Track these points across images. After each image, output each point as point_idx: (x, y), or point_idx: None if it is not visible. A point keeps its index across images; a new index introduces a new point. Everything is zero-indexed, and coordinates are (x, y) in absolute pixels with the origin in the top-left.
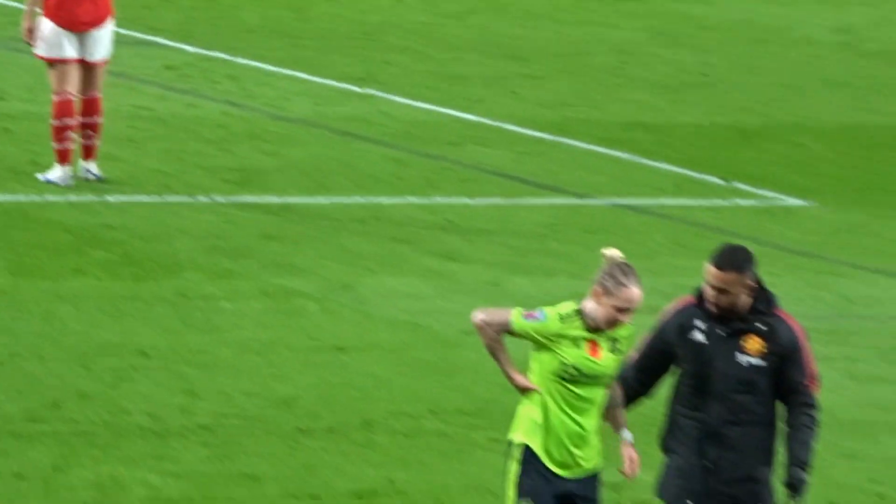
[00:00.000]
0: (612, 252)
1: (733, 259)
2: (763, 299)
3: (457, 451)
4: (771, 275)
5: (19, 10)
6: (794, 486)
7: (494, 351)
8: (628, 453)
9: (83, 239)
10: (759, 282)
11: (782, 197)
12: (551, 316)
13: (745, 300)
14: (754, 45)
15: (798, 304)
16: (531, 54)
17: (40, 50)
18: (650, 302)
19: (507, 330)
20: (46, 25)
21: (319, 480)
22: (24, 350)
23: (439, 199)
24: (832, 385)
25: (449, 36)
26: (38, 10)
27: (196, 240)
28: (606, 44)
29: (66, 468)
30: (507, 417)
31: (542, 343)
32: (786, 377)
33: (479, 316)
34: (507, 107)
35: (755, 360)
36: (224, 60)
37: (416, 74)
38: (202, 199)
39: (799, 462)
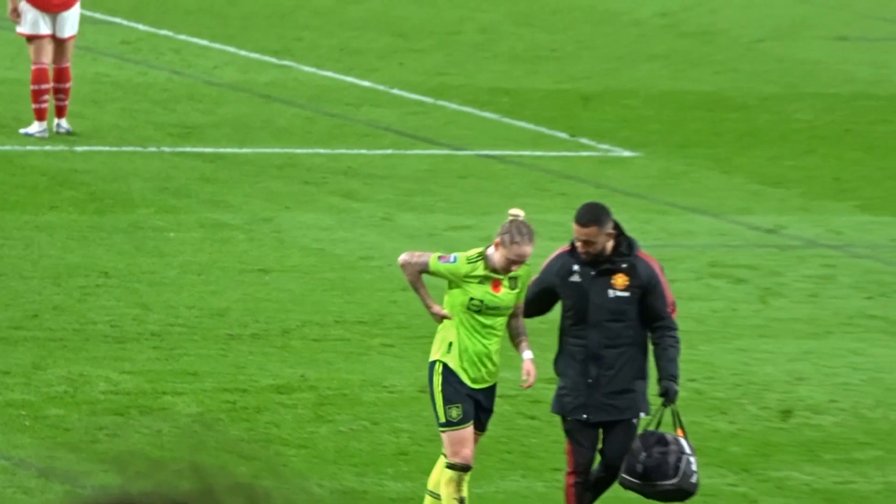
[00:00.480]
0: (516, 212)
1: (592, 215)
2: (625, 243)
3: (356, 353)
4: None
5: None
6: (668, 396)
7: (415, 286)
8: (528, 368)
9: (56, 181)
10: (618, 229)
11: (617, 149)
12: (461, 259)
13: (608, 246)
14: (594, 25)
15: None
16: (415, 32)
17: (21, 28)
18: None
19: (424, 270)
20: (26, 7)
21: (246, 377)
22: (8, 270)
23: (342, 150)
24: None
25: (349, 17)
26: None
27: (147, 182)
28: (475, 24)
29: (44, 367)
30: (398, 326)
31: (454, 281)
32: (649, 306)
33: (403, 257)
34: (396, 75)
35: (622, 293)
36: (168, 37)
37: (322, 48)
38: (152, 149)
39: (669, 376)
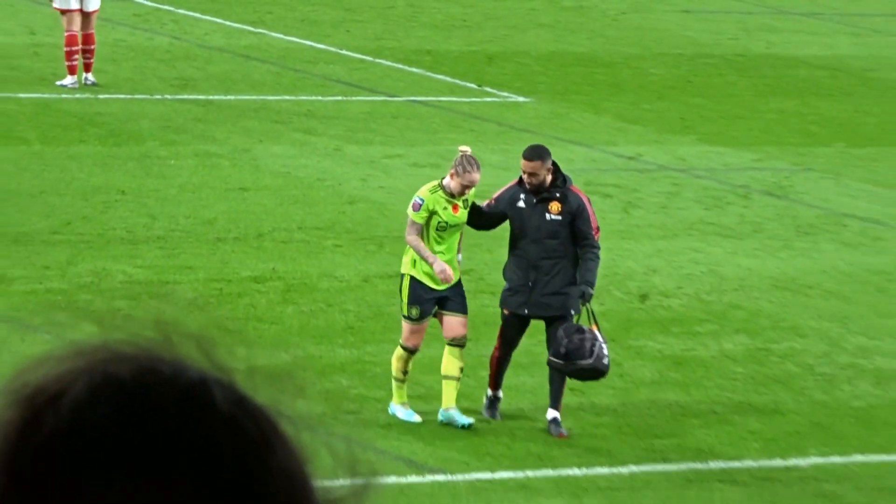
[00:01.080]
0: (465, 148)
1: (536, 153)
2: (560, 178)
3: (314, 252)
4: (506, 144)
5: None
6: (584, 297)
7: (418, 248)
8: (440, 268)
9: (84, 121)
10: (556, 166)
11: (513, 96)
12: (425, 195)
13: (548, 179)
14: (497, 1)
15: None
16: (358, 7)
17: (56, 3)
18: (437, 160)
19: (415, 226)
20: None
21: (230, 270)
22: (48, 188)
23: (303, 97)
24: None
25: None
26: None
27: (153, 122)
28: (405, 0)
29: (75, 263)
30: (346, 231)
31: (430, 213)
32: (577, 228)
33: (406, 237)
34: (344, 40)
35: (556, 217)
36: (169, 11)
37: (288, 19)
38: (157, 96)
39: (587, 282)
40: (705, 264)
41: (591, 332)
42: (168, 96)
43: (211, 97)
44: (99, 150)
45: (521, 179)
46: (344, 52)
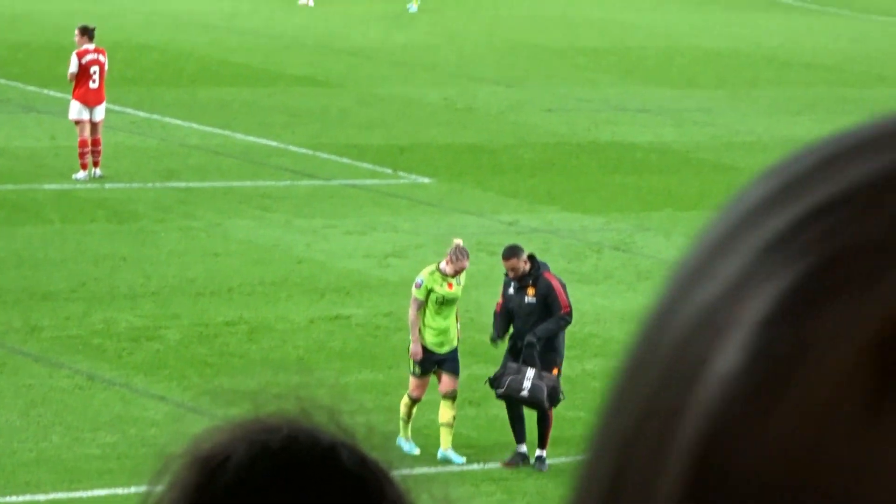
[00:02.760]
0: (458, 241)
1: (510, 252)
2: (534, 267)
3: (272, 301)
4: (415, 214)
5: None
6: (528, 343)
7: (412, 323)
8: (414, 349)
9: (93, 203)
10: (532, 258)
11: (420, 178)
12: (425, 276)
13: (525, 269)
14: (402, 108)
15: None
16: (301, 112)
17: (71, 115)
18: (363, 229)
19: (417, 302)
20: (75, 103)
21: (208, 316)
22: (68, 257)
23: (260, 183)
24: None
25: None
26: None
27: (147, 204)
28: (337, 108)
29: (90, 314)
30: (296, 284)
31: (429, 291)
32: (549, 307)
33: (410, 308)
34: (291, 138)
35: (531, 299)
36: (157, 119)
37: (248, 123)
38: (149, 185)
39: (535, 332)
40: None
41: (518, 368)
42: (157, 184)
43: (190, 184)
44: (106, 226)
45: (507, 274)
46: (291, 147)
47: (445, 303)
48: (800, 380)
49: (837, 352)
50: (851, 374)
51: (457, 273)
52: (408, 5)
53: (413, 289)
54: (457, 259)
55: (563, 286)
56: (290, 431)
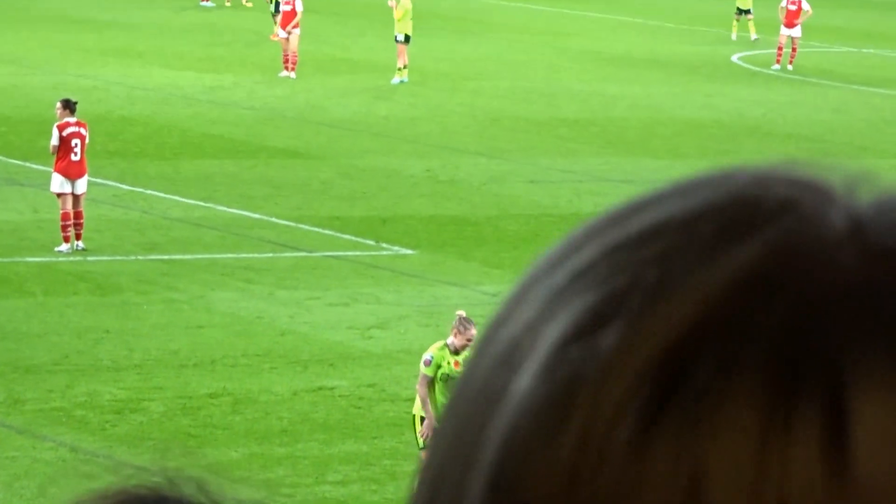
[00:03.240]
0: (460, 312)
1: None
2: None
3: (255, 373)
4: (398, 286)
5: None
6: None
7: (424, 401)
8: (426, 427)
9: (77, 277)
10: None
11: (403, 249)
12: (434, 353)
13: None
14: (388, 178)
15: None
16: (283, 184)
17: (53, 188)
18: (346, 300)
19: (426, 378)
20: (56, 175)
21: (191, 388)
22: (51, 330)
23: (243, 255)
24: None
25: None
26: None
27: (130, 276)
28: (319, 180)
29: (73, 386)
30: (280, 356)
31: (437, 367)
32: None
33: (418, 384)
34: (273, 210)
35: None
36: (140, 191)
37: (230, 196)
38: (132, 257)
39: None
40: None
41: None
42: (140, 256)
43: (173, 256)
44: (89, 299)
45: None
46: (273, 219)
47: (451, 381)
48: (585, 399)
49: (620, 371)
50: (631, 393)
51: (467, 344)
52: (392, 79)
53: (422, 366)
54: (464, 329)
55: None
56: (154, 500)
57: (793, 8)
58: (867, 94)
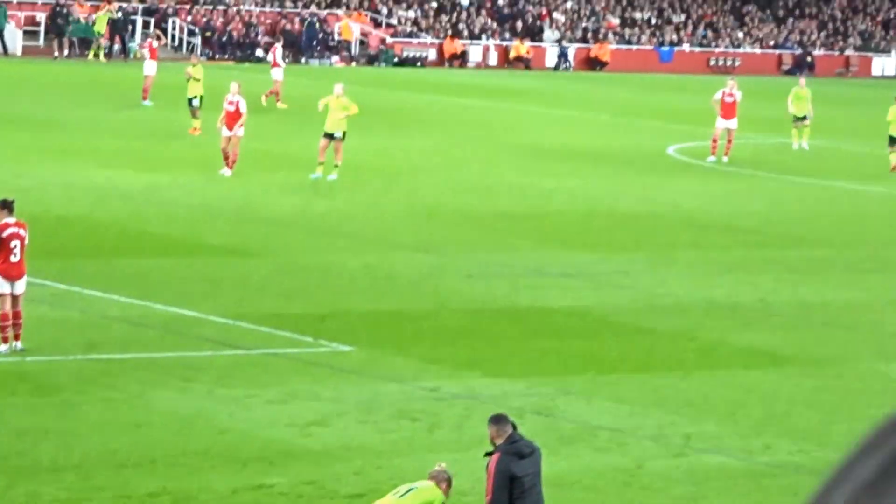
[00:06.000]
0: (442, 464)
1: (490, 420)
2: (504, 441)
3: (195, 471)
4: (337, 383)
5: None
6: None
7: None
8: None
9: (16, 377)
10: (513, 426)
11: (341, 346)
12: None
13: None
14: (325, 275)
15: None
16: (221, 280)
17: None
18: (284, 398)
19: None
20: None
21: (131, 488)
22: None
23: (182, 353)
24: None
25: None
26: None
27: (69, 376)
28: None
29: (13, 487)
30: (219, 454)
31: None
32: None
33: None
34: (212, 307)
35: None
36: (77, 291)
37: (168, 294)
38: (70, 357)
39: None
40: None
41: None
42: (79, 356)
43: (112, 356)
44: (28, 400)
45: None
46: (212, 317)
47: None
48: None
49: None
50: None
51: (446, 492)
52: (328, 175)
53: None
54: (444, 481)
55: (503, 470)
56: None
57: (729, 100)
58: (801, 185)
